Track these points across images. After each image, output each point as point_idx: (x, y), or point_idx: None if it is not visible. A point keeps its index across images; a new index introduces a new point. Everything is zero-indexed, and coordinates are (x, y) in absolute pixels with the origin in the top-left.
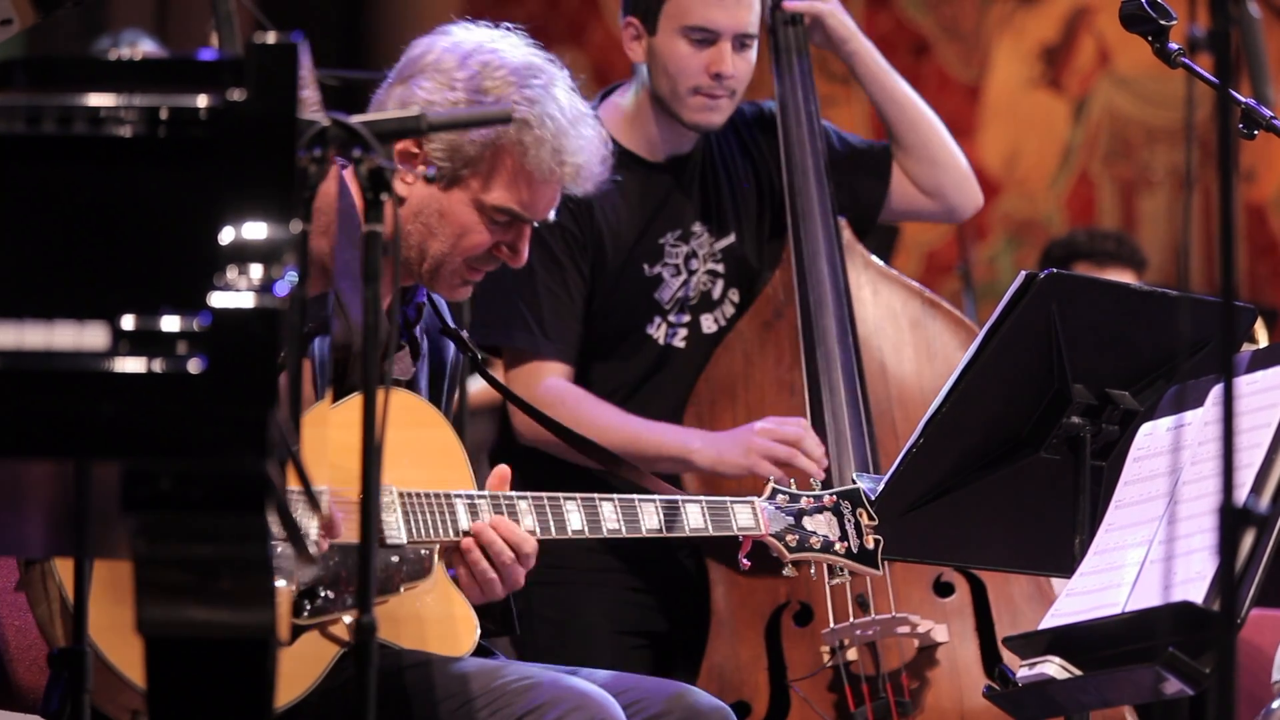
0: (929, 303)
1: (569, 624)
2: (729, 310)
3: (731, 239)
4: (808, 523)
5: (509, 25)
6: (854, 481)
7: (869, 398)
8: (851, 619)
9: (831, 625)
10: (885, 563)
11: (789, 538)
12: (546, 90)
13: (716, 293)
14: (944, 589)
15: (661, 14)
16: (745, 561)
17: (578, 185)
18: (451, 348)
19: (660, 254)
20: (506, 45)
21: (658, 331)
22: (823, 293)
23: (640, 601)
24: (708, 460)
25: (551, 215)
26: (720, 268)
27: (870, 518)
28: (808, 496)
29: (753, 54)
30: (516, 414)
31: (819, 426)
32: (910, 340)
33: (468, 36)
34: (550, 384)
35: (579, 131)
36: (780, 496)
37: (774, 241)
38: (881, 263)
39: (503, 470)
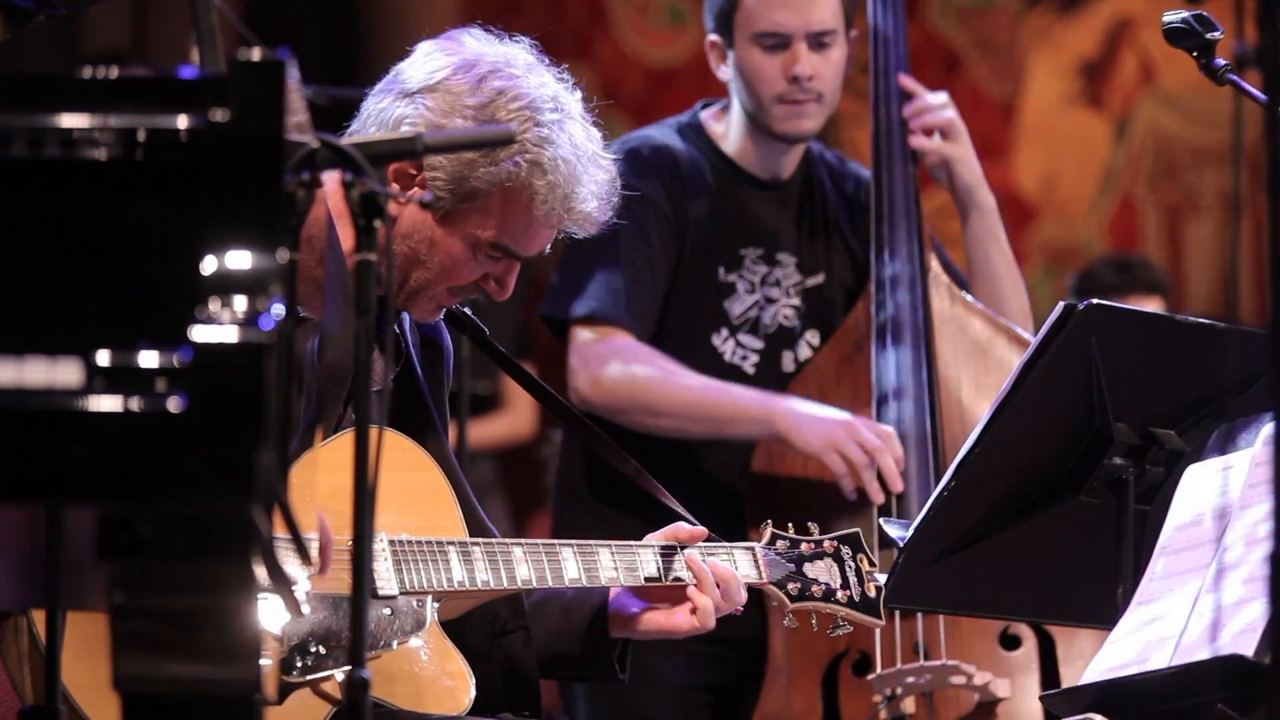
0: (1015, 340)
1: (637, 677)
2: (805, 352)
3: (820, 279)
4: (808, 569)
5: (520, 37)
6: (879, 526)
7: (942, 435)
8: (900, 664)
9: (879, 670)
10: (906, 612)
11: (790, 586)
12: (562, 128)
13: (796, 330)
14: (1010, 641)
15: (734, 25)
16: (737, 607)
17: (580, 229)
18: (444, 336)
19: (739, 264)
20: (523, 69)
21: (723, 345)
22: (901, 324)
23: (709, 654)
24: (786, 426)
25: (544, 251)
26: (803, 305)
27: (870, 563)
28: (807, 542)
29: (835, 52)
30: (576, 378)
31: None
32: (993, 379)
33: (482, 53)
34: (626, 345)
35: (591, 175)
36: (780, 542)
37: (861, 281)
38: (969, 296)
39: (697, 531)
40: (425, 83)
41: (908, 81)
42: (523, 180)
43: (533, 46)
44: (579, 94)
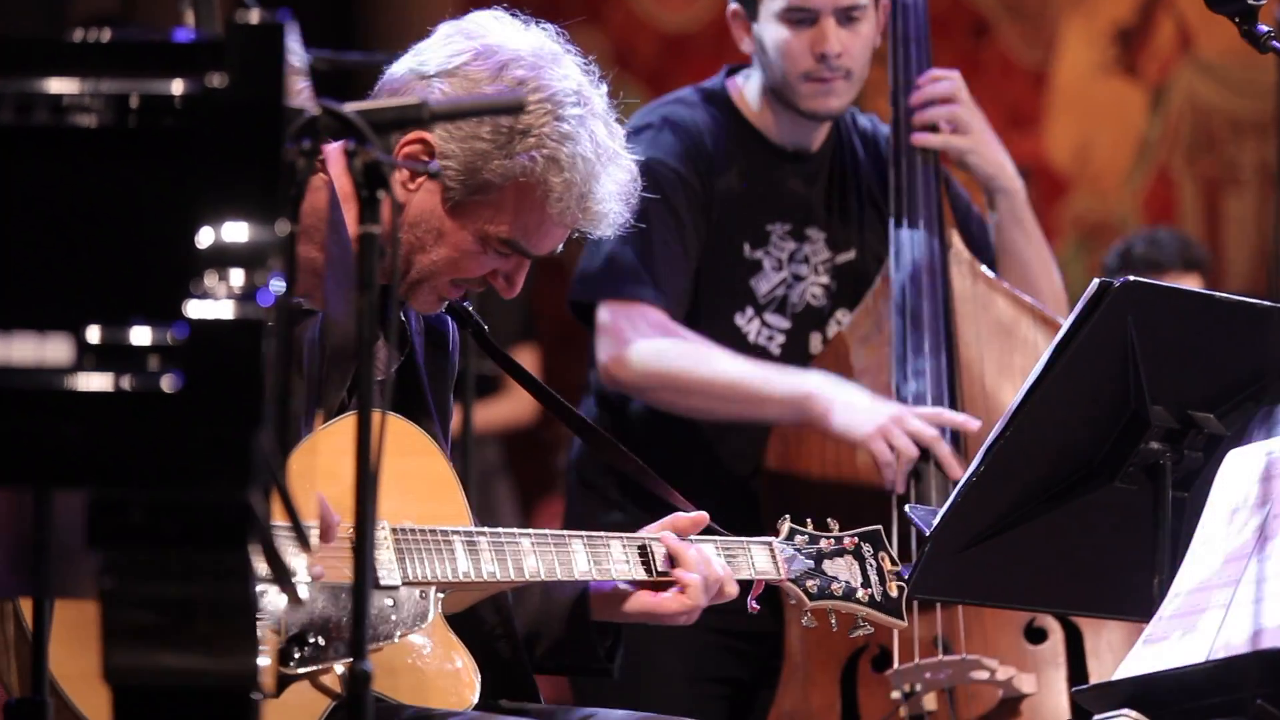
0: (1041, 319)
1: (642, 670)
2: (835, 332)
3: (852, 255)
4: (828, 567)
5: (548, 25)
6: (908, 513)
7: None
8: (918, 659)
9: (896, 666)
10: (943, 606)
11: (809, 583)
12: (583, 124)
13: (826, 310)
14: (1036, 635)
15: None
16: (754, 605)
17: (595, 230)
18: (451, 325)
19: (765, 240)
20: (547, 60)
21: (748, 325)
22: (920, 304)
23: (721, 645)
24: (823, 411)
25: (559, 248)
26: (833, 283)
27: (893, 562)
28: (827, 538)
29: (865, 27)
30: (603, 355)
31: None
32: (1018, 360)
33: (505, 40)
34: (656, 321)
35: (610, 175)
36: (799, 538)
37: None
38: (992, 274)
39: (700, 516)
40: (443, 66)
41: (924, 81)
42: (538, 176)
43: (560, 34)
44: (605, 88)
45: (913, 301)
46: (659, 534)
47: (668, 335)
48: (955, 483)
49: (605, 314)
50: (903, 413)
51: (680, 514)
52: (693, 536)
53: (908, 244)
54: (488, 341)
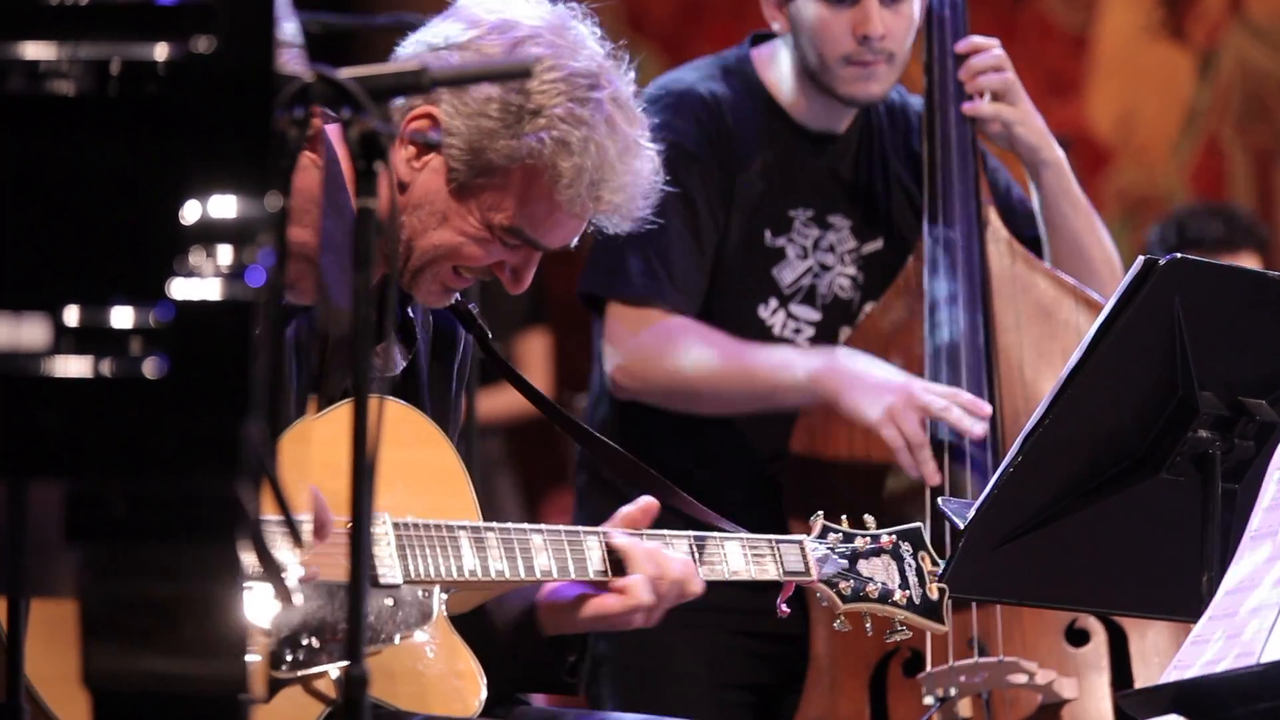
0: (1085, 301)
1: (661, 674)
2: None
3: (879, 245)
4: (863, 567)
5: (574, 4)
6: (941, 507)
7: (1000, 407)
8: (952, 662)
9: (929, 669)
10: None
11: (842, 585)
12: (601, 109)
13: (855, 304)
14: (1078, 637)
15: None
16: (784, 608)
17: (610, 221)
18: (461, 326)
19: (788, 226)
20: (568, 39)
21: (773, 318)
22: (954, 284)
23: (744, 648)
24: (834, 390)
25: (572, 243)
26: (860, 275)
27: (934, 562)
28: (863, 536)
29: (908, 6)
30: (609, 364)
31: (936, 446)
32: (1059, 345)
33: (523, 15)
34: (661, 327)
35: (627, 164)
36: (832, 535)
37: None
38: (1031, 253)
39: (648, 504)
40: (455, 39)
41: (965, 47)
42: (546, 159)
43: (585, 14)
44: (631, 73)
45: (945, 281)
46: (600, 530)
47: (670, 341)
48: (992, 475)
49: (613, 318)
50: (913, 387)
51: (626, 505)
52: (718, 535)
53: (942, 222)
54: (490, 348)
